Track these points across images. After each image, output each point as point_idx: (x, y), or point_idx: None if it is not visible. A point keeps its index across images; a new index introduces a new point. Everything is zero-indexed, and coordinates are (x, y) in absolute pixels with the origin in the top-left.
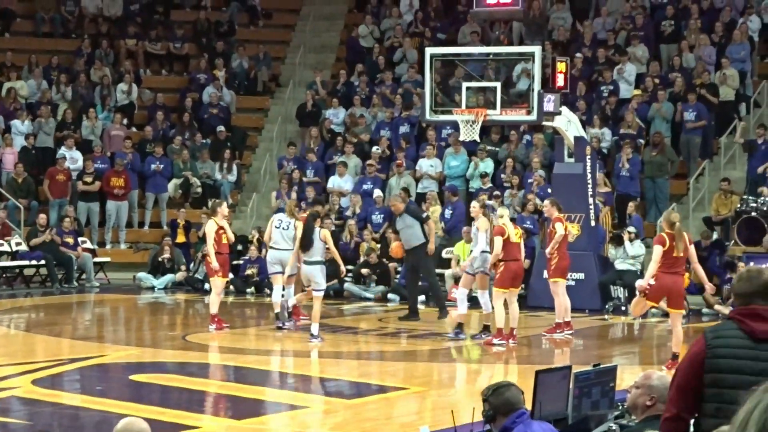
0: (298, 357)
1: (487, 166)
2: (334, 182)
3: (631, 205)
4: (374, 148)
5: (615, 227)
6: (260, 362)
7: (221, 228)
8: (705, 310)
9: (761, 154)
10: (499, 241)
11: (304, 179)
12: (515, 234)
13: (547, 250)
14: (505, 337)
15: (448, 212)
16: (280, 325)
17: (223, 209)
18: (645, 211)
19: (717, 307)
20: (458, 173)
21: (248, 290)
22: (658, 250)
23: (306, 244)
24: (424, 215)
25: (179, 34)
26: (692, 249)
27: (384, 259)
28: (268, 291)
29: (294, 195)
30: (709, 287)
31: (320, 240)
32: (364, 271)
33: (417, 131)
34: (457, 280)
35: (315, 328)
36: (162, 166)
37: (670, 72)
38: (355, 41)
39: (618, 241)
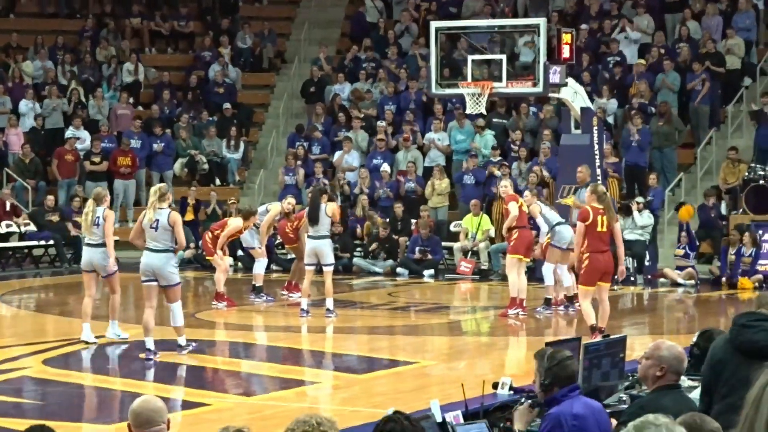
0: (307, 333)
1: (488, 139)
2: (339, 157)
3: (652, 177)
4: (379, 122)
5: (623, 197)
6: (270, 339)
7: (240, 232)
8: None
9: None
10: (514, 207)
11: (311, 156)
12: (523, 203)
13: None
14: (520, 305)
15: (468, 179)
16: (261, 299)
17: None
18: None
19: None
20: (464, 147)
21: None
22: (581, 227)
23: (313, 218)
24: None
25: (184, 13)
26: (617, 226)
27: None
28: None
29: (302, 171)
30: (622, 269)
31: (327, 215)
32: (373, 246)
33: (423, 105)
34: (465, 253)
35: (330, 303)
36: (163, 144)
37: (676, 42)
38: (362, 16)
39: (626, 212)
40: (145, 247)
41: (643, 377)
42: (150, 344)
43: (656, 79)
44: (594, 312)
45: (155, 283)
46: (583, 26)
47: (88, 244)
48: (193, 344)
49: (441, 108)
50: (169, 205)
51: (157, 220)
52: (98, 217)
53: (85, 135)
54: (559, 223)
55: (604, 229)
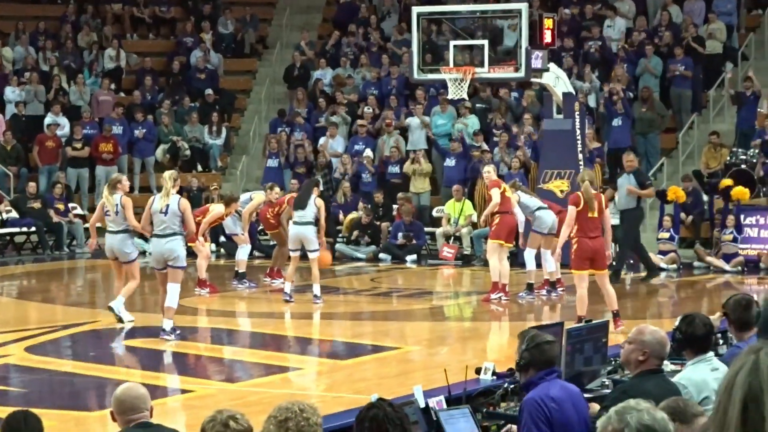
0: (291, 319)
1: (473, 123)
2: (324, 142)
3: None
4: (366, 108)
5: (605, 182)
6: (253, 325)
7: (222, 218)
8: (696, 263)
9: (749, 106)
10: (496, 193)
11: (293, 141)
12: (507, 189)
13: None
14: (502, 289)
15: (450, 162)
16: (243, 285)
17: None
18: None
19: (708, 259)
20: (446, 131)
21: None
22: (571, 211)
23: (300, 204)
24: (647, 182)
25: None
26: (607, 212)
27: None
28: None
29: (284, 156)
30: (608, 254)
31: (315, 205)
32: (355, 233)
33: (406, 89)
34: (447, 238)
35: (317, 289)
36: (144, 130)
37: (658, 27)
38: (353, 4)
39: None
40: (152, 234)
41: (626, 362)
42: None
43: (638, 64)
44: (586, 303)
45: (168, 269)
46: (566, 11)
47: (108, 231)
48: (178, 332)
49: (423, 93)
50: (179, 192)
51: (168, 206)
52: (116, 205)
53: (64, 121)
54: (539, 208)
55: (595, 215)
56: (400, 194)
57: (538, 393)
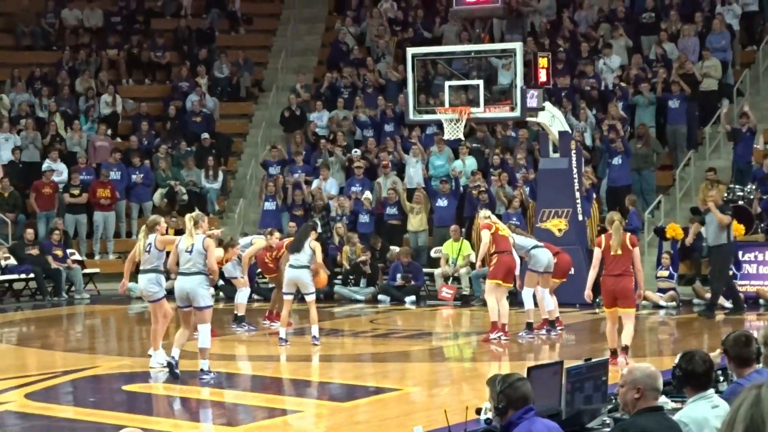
0: (289, 362)
1: (471, 163)
2: (317, 185)
3: (628, 199)
4: (354, 151)
5: (603, 220)
6: (252, 368)
7: (221, 263)
8: (696, 300)
9: (746, 142)
10: (486, 235)
11: (288, 183)
12: (503, 229)
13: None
14: (502, 329)
15: (441, 202)
16: (242, 328)
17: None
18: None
19: (708, 296)
20: (443, 172)
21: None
22: (596, 252)
23: (295, 247)
24: (726, 212)
25: (160, 43)
26: (636, 251)
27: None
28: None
29: (281, 198)
30: (640, 293)
31: (310, 248)
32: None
33: (402, 128)
34: (446, 278)
35: (315, 330)
36: (141, 175)
37: (653, 64)
38: (342, 44)
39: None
40: (178, 272)
41: (624, 404)
42: (176, 354)
43: (633, 101)
44: (617, 336)
45: (189, 308)
46: (560, 49)
47: (141, 271)
48: (212, 374)
49: (419, 134)
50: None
51: (193, 245)
52: (149, 244)
53: (62, 167)
54: (535, 247)
55: (619, 253)
56: (389, 252)
57: (521, 431)
